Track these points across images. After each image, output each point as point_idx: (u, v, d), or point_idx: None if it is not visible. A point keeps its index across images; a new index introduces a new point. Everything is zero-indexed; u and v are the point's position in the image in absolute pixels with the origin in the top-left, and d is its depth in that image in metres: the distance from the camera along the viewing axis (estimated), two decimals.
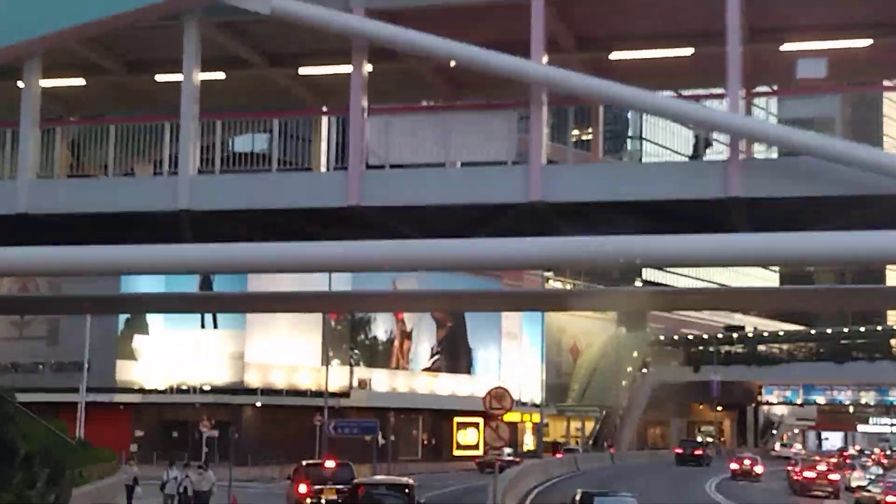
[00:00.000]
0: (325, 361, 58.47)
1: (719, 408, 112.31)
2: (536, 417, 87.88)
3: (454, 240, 16.19)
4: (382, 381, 69.00)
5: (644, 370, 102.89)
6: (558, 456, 63.42)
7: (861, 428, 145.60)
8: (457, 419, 75.07)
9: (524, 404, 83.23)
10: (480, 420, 76.26)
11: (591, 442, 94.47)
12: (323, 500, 28.68)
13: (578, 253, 15.69)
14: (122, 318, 65.15)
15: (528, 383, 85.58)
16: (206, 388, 63.95)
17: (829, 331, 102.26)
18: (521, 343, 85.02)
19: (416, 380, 71.73)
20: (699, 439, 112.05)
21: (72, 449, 27.05)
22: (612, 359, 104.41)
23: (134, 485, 32.29)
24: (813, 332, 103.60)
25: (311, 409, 59.26)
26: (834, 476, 51.47)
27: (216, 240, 17.02)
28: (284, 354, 65.98)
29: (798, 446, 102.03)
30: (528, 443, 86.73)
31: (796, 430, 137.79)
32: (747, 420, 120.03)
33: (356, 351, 68.32)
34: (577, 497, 25.62)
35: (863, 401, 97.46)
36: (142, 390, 64.89)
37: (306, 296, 28.56)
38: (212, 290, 64.56)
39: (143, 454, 58.88)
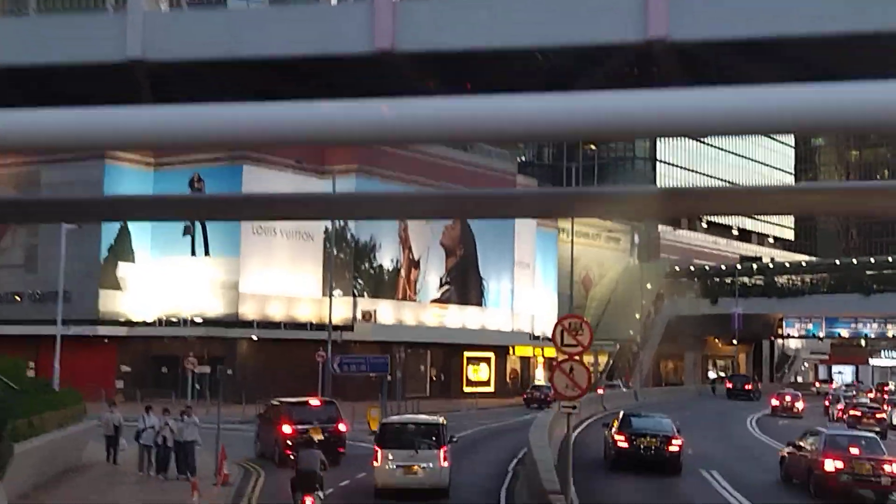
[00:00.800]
0: (328, 292, 53.37)
1: (735, 342, 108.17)
2: (550, 351, 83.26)
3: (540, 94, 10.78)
4: (388, 313, 64.08)
5: (658, 302, 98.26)
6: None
7: (873, 361, 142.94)
8: (467, 354, 70.33)
9: (536, 338, 78.54)
10: (492, 355, 71.54)
11: (604, 377, 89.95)
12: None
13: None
14: (106, 244, 60.10)
15: (540, 315, 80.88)
16: (198, 320, 59.04)
17: (854, 261, 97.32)
18: (534, 273, 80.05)
19: (424, 312, 66.81)
20: (711, 374, 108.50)
21: (19, 393, 21.95)
22: (626, 291, 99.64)
23: (116, 435, 27.39)
24: (838, 262, 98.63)
25: (312, 344, 54.43)
26: (881, 414, 48.49)
27: (183, 100, 11.58)
28: (282, 284, 61.02)
29: (838, 382, 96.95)
30: (540, 377, 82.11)
31: (805, 365, 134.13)
32: (763, 354, 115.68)
33: (360, 281, 63.27)
34: (620, 416, 30.55)
35: (889, 333, 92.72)
36: (128, 322, 60.04)
37: (306, 198, 23.01)
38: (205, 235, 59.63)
39: (130, 393, 54.30)
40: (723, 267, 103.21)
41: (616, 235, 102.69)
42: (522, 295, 76.77)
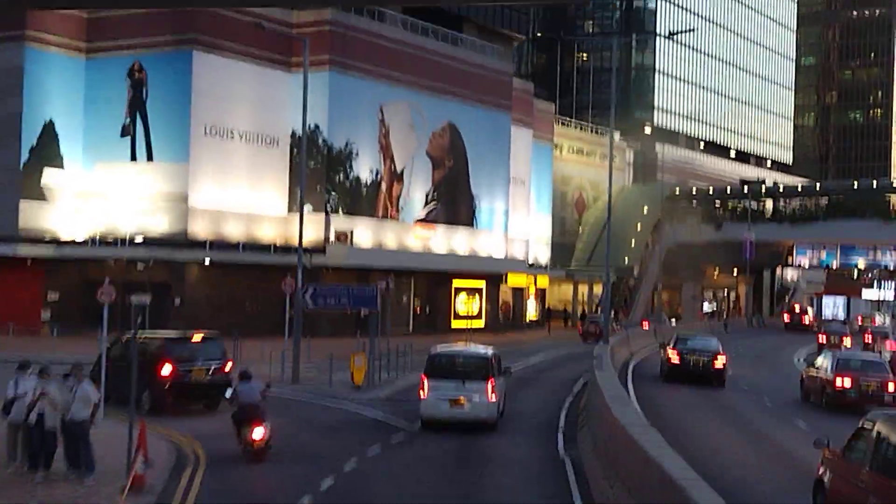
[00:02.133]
0: (298, 206, 43.65)
1: (736, 272, 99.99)
2: (543, 280, 74.35)
3: None
4: (366, 234, 54.48)
5: (657, 229, 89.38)
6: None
7: (865, 294, 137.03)
8: (456, 283, 61.00)
9: (531, 265, 69.45)
10: (483, 284, 62.43)
11: (600, 311, 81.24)
12: (192, 381, 24.25)
13: None
14: (27, 145, 49.83)
15: (534, 240, 71.74)
16: (139, 239, 49.13)
17: (874, 183, 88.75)
18: (529, 192, 70.62)
19: (407, 233, 57.24)
20: (706, 307, 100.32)
21: None
22: (622, 215, 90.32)
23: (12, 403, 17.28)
24: (856, 184, 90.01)
25: (276, 270, 45.06)
26: None
27: None
28: (241, 198, 51.28)
29: (881, 318, 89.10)
30: (532, 310, 73.27)
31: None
32: (763, 286, 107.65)
33: (334, 194, 53.47)
34: (674, 337, 36.14)
35: None
36: (55, 241, 50.03)
37: None
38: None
39: (63, 326, 44.85)
40: (728, 189, 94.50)
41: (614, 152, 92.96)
42: (517, 216, 67.44)
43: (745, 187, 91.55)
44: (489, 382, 21.84)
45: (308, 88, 35.72)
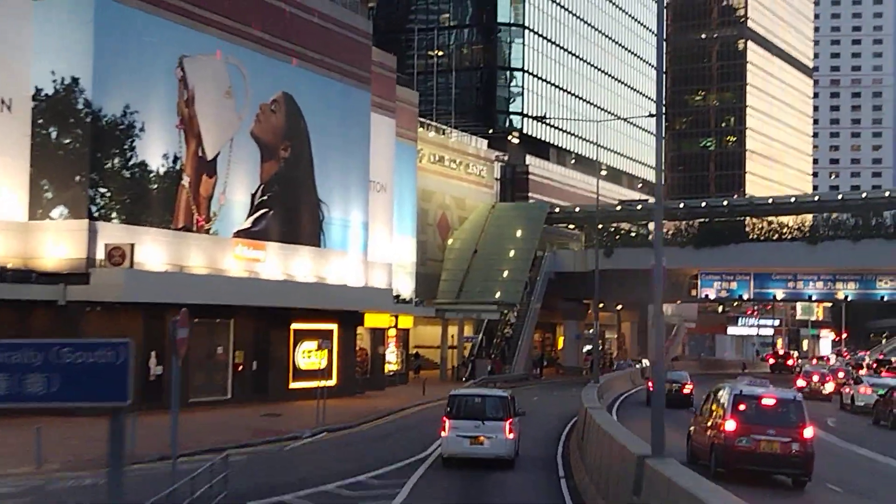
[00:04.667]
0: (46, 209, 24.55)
1: (619, 307, 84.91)
2: (407, 321, 56.37)
3: None
4: (157, 252, 35.19)
5: (539, 253, 73.15)
6: None
7: (731, 330, 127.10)
8: (296, 325, 42.13)
9: (396, 298, 51.60)
10: (335, 326, 44.08)
11: (472, 359, 63.88)
12: None
13: None
14: None
15: (397, 266, 53.95)
16: None
17: (815, 195, 74.94)
18: (390, 201, 52.68)
19: (224, 252, 38.13)
20: (586, 347, 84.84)
21: None
22: (493, 239, 73.73)
23: None
24: (793, 199, 76.14)
25: (11, 307, 26.26)
26: None
27: None
28: None
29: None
30: (391, 359, 55.10)
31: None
32: (648, 323, 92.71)
33: (104, 190, 34.02)
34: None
35: (840, 294, 70.71)
36: None
37: None
38: None
39: None
40: (618, 207, 79.26)
41: (479, 165, 76.40)
42: (379, 232, 49.41)
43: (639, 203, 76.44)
44: (507, 422, 22.86)
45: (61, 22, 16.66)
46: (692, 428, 23.96)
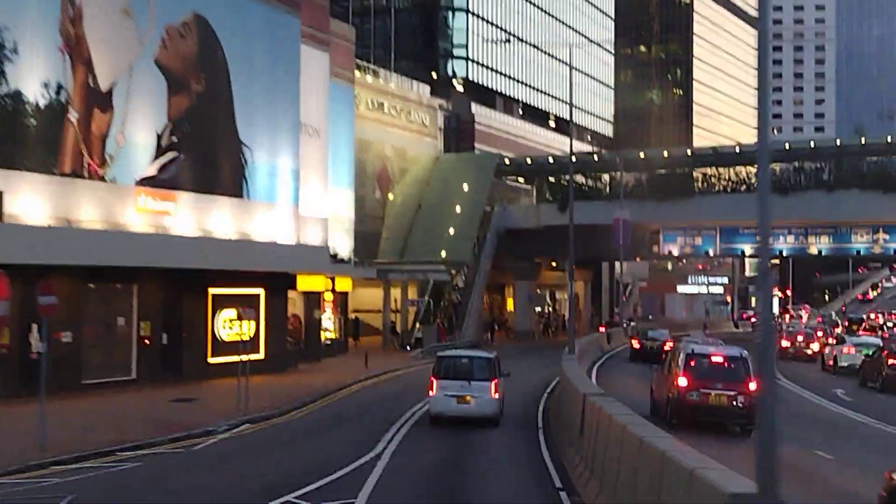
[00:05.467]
0: None
1: (566, 265, 79.50)
2: (345, 283, 50.39)
3: None
4: (37, 201, 28.65)
5: (487, 208, 67.45)
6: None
7: (680, 289, 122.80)
8: (214, 290, 35.87)
9: (334, 258, 45.58)
10: (262, 291, 37.89)
11: (417, 324, 58.12)
12: None
13: None
14: None
15: (333, 221, 47.88)
16: None
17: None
18: (325, 147, 46.36)
19: (124, 203, 31.64)
20: (537, 309, 79.75)
21: None
22: (438, 193, 67.95)
23: None
24: (739, 147, 70.89)
25: None
26: None
27: None
28: None
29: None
30: (328, 325, 49.05)
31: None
32: (602, 282, 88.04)
33: None
34: (639, 329, 53.48)
35: (812, 249, 66.04)
36: None
37: None
38: None
39: None
40: (574, 158, 73.59)
41: (421, 113, 70.26)
42: (312, 182, 43.15)
43: (616, 156, 70.83)
44: (492, 382, 23.88)
45: None
46: (654, 384, 26.57)
